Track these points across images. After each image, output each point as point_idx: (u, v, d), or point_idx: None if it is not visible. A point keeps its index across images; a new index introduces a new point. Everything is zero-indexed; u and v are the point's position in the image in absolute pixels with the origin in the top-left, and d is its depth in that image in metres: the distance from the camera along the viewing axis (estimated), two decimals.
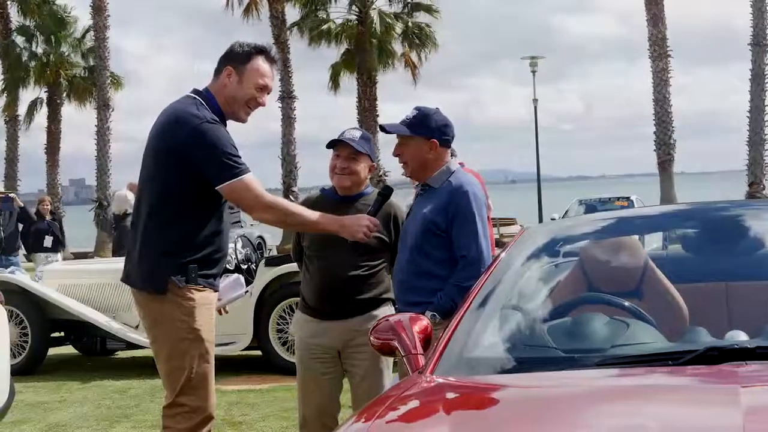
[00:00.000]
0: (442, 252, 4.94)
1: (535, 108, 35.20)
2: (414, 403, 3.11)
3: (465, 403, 3.04)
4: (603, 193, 35.77)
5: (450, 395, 3.11)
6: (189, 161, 4.66)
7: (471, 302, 3.71)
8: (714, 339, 3.40)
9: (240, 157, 4.70)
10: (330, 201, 5.44)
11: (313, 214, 4.84)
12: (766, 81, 30.52)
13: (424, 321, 3.76)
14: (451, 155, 5.15)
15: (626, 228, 4.39)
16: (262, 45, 5.01)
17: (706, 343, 3.29)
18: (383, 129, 5.13)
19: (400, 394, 3.14)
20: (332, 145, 5.43)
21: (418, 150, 5.03)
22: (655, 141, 30.88)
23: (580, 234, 4.36)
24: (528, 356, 3.44)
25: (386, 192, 5.13)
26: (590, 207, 28.10)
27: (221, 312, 5.23)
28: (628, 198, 28.95)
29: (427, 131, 5.01)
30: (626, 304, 3.69)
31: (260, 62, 4.84)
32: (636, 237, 4.29)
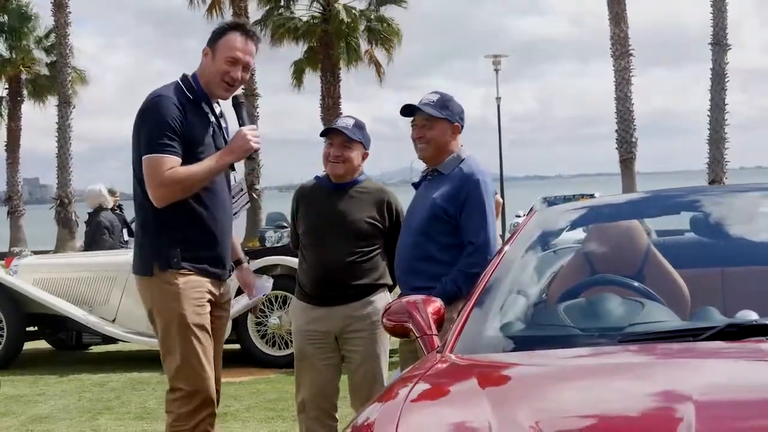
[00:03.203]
0: (448, 238, 4.97)
1: (498, 106, 35.29)
2: (441, 381, 3.12)
3: (495, 380, 3.05)
4: (564, 192, 35.89)
5: (477, 372, 3.11)
6: (139, 134, 4.71)
7: (486, 283, 3.74)
8: (725, 318, 3.46)
9: (174, 139, 4.64)
10: (324, 188, 5.49)
11: (203, 165, 4.70)
12: (726, 80, 30.81)
13: (437, 302, 3.78)
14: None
15: (633, 211, 4.44)
16: (238, 20, 5.01)
17: (723, 320, 3.35)
18: (411, 108, 5.11)
19: (425, 373, 3.15)
20: (325, 133, 5.47)
21: (442, 132, 5.05)
22: (616, 139, 31.04)
23: (590, 217, 4.40)
24: (547, 334, 3.47)
25: (235, 101, 4.93)
26: (554, 204, 28.17)
27: (254, 313, 5.31)
28: (591, 195, 29.05)
29: (452, 115, 5.06)
30: (636, 284, 3.76)
31: (233, 36, 4.81)
32: (637, 221, 4.33)
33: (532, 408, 2.64)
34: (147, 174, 4.66)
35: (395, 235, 5.28)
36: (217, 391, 5.06)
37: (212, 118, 4.86)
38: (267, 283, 5.63)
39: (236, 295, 9.51)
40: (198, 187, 4.71)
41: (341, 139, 5.38)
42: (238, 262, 5.30)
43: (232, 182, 5.06)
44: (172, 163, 4.62)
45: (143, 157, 4.66)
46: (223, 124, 4.97)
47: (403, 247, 5.13)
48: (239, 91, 4.95)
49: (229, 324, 10.09)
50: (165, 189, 4.64)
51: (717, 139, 31.07)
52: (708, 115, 31.16)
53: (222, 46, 4.80)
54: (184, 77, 4.85)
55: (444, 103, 5.07)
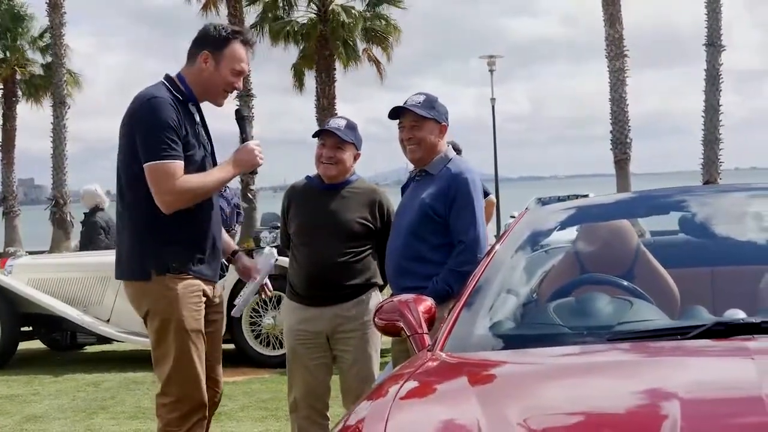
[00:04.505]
0: (438, 237, 5.00)
1: (493, 107, 35.24)
2: (431, 379, 3.14)
3: (484, 378, 3.08)
4: (559, 192, 35.83)
5: (467, 370, 3.14)
6: (135, 138, 4.66)
7: (477, 282, 3.77)
8: (713, 316, 3.48)
9: (176, 143, 4.61)
10: (315, 188, 5.51)
11: (213, 177, 4.74)
12: (720, 81, 30.83)
13: (428, 301, 3.80)
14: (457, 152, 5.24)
15: (623, 211, 4.47)
16: (238, 28, 5.00)
17: (711, 319, 3.38)
18: (400, 110, 5.14)
19: (415, 371, 3.17)
20: (318, 134, 5.49)
21: (431, 133, 5.10)
22: (611, 140, 31.03)
23: (580, 217, 4.42)
24: (536, 333, 3.50)
25: (239, 115, 5.02)
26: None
27: (264, 292, 5.22)
28: (586, 196, 28.99)
29: (439, 115, 5.10)
30: (625, 284, 3.79)
31: (237, 47, 4.81)
32: (627, 221, 4.36)
33: (520, 405, 2.66)
34: (155, 180, 4.59)
35: (387, 235, 5.30)
36: (219, 393, 5.07)
37: (197, 119, 4.84)
38: (270, 257, 5.43)
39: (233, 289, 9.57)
40: (206, 197, 4.73)
41: (334, 140, 5.40)
42: (233, 253, 5.24)
43: None
44: (180, 170, 4.60)
45: (149, 164, 4.59)
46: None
47: (393, 248, 5.15)
48: (234, 102, 4.97)
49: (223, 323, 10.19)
50: (176, 196, 4.62)
51: (711, 140, 31.07)
52: (702, 116, 31.19)
53: (228, 57, 4.78)
54: (169, 78, 4.83)
55: (430, 103, 5.11)
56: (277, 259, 5.54)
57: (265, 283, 5.28)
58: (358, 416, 2.82)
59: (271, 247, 5.28)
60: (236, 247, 5.33)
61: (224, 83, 4.81)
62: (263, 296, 5.34)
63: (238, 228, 11.85)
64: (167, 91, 4.72)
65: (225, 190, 14.34)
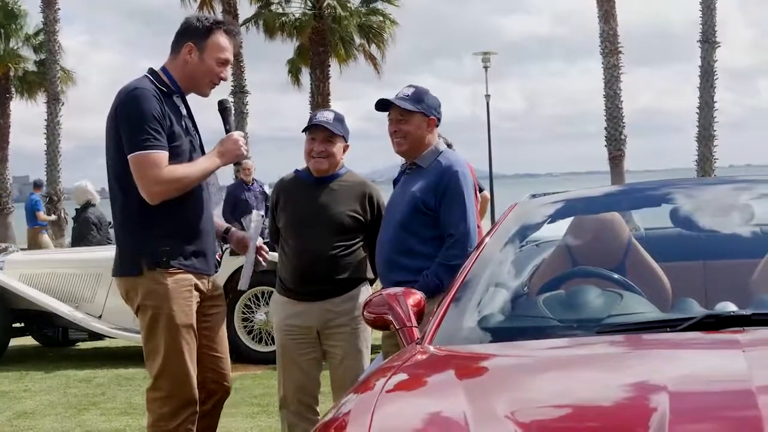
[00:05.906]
0: (429, 230, 4.98)
1: (488, 103, 35.16)
2: (418, 372, 3.13)
3: (472, 370, 3.06)
4: (553, 189, 35.80)
5: (455, 363, 3.13)
6: (120, 131, 4.64)
7: (466, 275, 3.75)
8: (704, 309, 3.46)
9: (160, 133, 4.59)
10: (304, 182, 5.47)
11: (199, 166, 4.73)
12: (715, 77, 30.83)
13: (417, 295, 3.78)
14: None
15: (614, 204, 4.44)
16: (220, 18, 5.01)
17: (701, 311, 3.36)
18: (386, 103, 5.12)
19: (402, 364, 3.15)
20: (307, 128, 5.46)
21: (418, 126, 5.07)
22: (606, 137, 31.01)
23: (570, 210, 4.40)
24: (525, 325, 3.49)
25: (221, 106, 5.03)
26: None
27: (262, 255, 5.16)
28: None
29: (427, 108, 5.07)
30: (616, 277, 3.76)
31: (220, 36, 4.81)
32: (618, 214, 4.34)
33: (508, 398, 2.64)
34: (140, 171, 4.58)
35: (377, 228, 5.27)
36: (226, 387, 5.03)
37: (183, 111, 4.83)
38: (256, 216, 5.35)
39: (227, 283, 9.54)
40: (191, 187, 4.70)
41: (324, 134, 5.36)
42: (226, 231, 5.22)
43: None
44: (164, 160, 4.58)
45: (133, 155, 4.58)
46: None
47: (383, 242, 5.12)
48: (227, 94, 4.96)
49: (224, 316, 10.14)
50: (162, 186, 4.60)
51: (706, 137, 31.06)
52: (697, 113, 31.18)
53: (211, 47, 4.78)
54: (152, 71, 4.82)
55: (419, 96, 5.08)
56: (264, 215, 5.49)
57: (260, 246, 5.18)
58: (344, 409, 2.81)
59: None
60: (227, 225, 5.30)
61: (209, 73, 4.81)
62: (263, 262, 5.21)
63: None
64: (150, 84, 4.72)
65: (252, 183, 14.47)
